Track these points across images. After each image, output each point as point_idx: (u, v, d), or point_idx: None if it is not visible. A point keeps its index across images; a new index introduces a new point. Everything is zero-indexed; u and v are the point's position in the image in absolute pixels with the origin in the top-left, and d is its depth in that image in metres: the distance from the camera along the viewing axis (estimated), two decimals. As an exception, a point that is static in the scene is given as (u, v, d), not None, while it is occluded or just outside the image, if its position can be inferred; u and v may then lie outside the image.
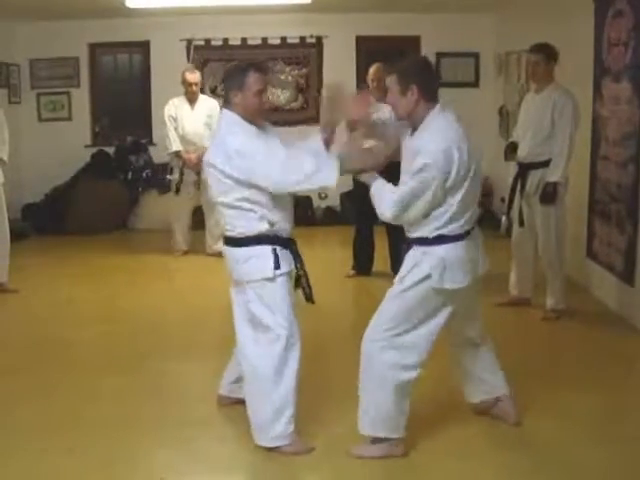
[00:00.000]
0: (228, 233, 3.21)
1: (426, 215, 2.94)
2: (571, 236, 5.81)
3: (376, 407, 3.05)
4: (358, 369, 3.08)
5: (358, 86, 7.22)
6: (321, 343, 4.46)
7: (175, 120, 6.67)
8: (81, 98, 8.51)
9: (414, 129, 3.01)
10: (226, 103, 3.21)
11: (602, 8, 5.09)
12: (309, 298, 3.29)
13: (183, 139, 6.69)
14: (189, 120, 6.68)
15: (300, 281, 3.25)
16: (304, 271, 3.25)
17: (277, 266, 3.12)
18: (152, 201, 8.15)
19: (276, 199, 3.12)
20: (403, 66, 3.00)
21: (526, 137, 4.87)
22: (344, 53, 8.39)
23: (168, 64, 8.25)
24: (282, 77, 8.56)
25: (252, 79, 3.12)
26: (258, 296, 3.16)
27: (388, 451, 3.11)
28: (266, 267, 3.12)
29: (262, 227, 3.12)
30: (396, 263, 6.03)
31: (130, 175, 8.24)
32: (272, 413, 3.14)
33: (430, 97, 2.95)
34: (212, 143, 3.23)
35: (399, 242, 5.80)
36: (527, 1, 6.90)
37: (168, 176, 6.88)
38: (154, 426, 3.42)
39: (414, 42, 8.38)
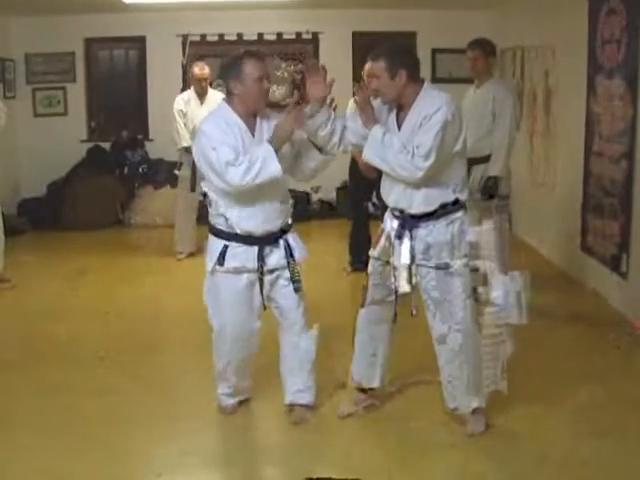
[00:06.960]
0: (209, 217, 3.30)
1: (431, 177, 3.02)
2: (565, 230, 5.88)
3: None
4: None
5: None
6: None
7: (185, 115, 6.50)
8: (77, 93, 8.49)
9: (400, 108, 3.09)
10: (228, 95, 3.22)
11: (596, 6, 5.13)
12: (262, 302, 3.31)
13: (193, 134, 6.54)
14: (199, 115, 6.43)
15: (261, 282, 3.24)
16: (262, 272, 3.22)
17: (221, 262, 3.17)
18: (148, 196, 8.17)
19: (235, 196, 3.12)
20: (388, 53, 3.06)
21: (468, 132, 4.87)
22: (340, 49, 8.39)
23: (164, 59, 8.27)
24: (278, 73, 8.56)
25: (249, 66, 3.10)
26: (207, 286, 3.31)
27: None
28: (210, 260, 3.22)
29: (219, 220, 3.19)
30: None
31: (126, 170, 8.25)
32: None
33: (417, 78, 3.07)
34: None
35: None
36: (522, -2, 6.94)
37: (176, 171, 6.76)
38: (151, 421, 3.43)
39: (410, 38, 8.39)
